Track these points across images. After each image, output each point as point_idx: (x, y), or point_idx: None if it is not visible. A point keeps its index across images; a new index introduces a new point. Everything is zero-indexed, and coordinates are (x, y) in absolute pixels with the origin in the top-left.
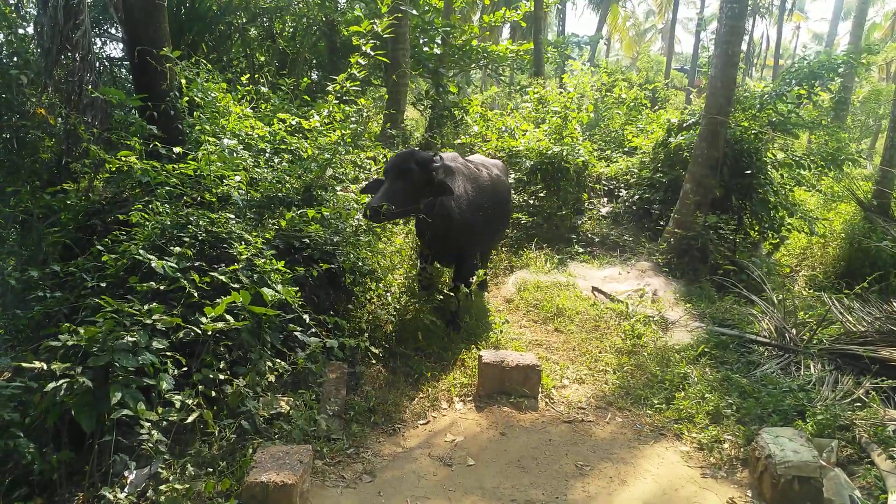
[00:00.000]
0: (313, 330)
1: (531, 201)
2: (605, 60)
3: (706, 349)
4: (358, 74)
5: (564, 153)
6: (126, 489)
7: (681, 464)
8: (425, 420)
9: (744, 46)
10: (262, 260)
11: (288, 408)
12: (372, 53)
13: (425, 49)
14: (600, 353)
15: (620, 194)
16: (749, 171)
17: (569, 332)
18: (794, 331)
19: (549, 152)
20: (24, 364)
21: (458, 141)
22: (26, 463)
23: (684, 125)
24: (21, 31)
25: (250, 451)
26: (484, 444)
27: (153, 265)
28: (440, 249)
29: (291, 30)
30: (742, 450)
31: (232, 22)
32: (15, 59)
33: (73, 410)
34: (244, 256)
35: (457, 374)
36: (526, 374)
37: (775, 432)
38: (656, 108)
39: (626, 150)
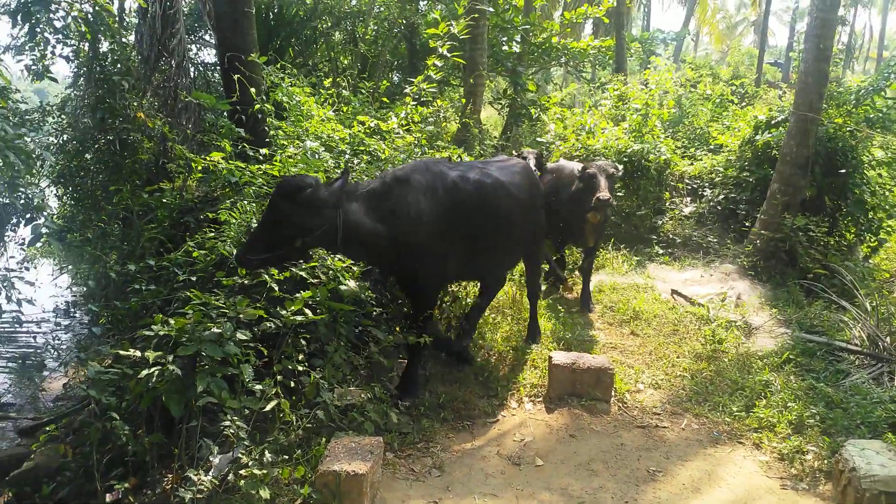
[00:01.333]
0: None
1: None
2: (690, 56)
3: (791, 356)
4: (434, 76)
5: (645, 151)
6: (210, 472)
7: (759, 474)
8: (494, 419)
9: (844, 38)
10: (336, 258)
11: (361, 400)
12: (448, 55)
13: (504, 48)
14: (678, 357)
15: (704, 194)
16: (843, 171)
17: (645, 335)
18: (888, 339)
19: (629, 150)
20: (121, 352)
21: (535, 140)
22: (122, 444)
23: (773, 122)
24: (123, 39)
25: (324, 440)
26: (553, 445)
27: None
28: (396, 279)
29: (373, 33)
30: (826, 462)
31: (317, 27)
32: (118, 66)
33: (163, 397)
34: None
35: (527, 374)
36: (598, 377)
37: (861, 444)
38: (744, 104)
39: (710, 147)
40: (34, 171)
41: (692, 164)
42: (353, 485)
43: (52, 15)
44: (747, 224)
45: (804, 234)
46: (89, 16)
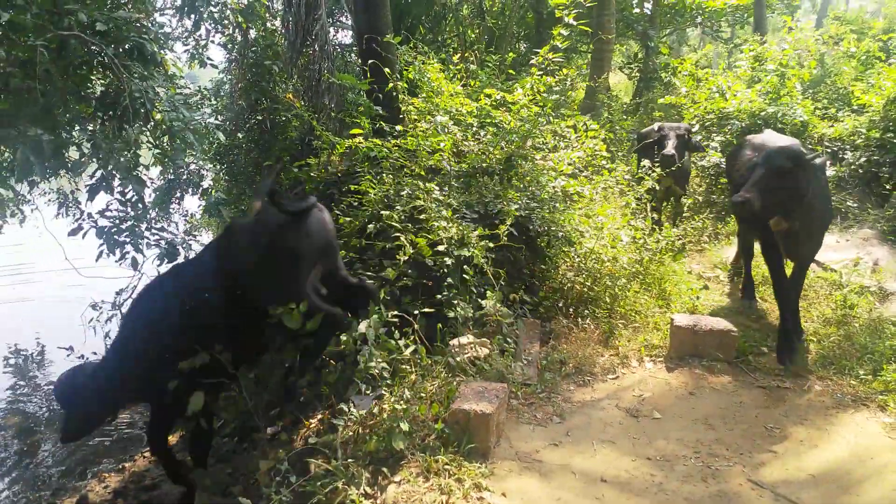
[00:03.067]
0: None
1: None
2: (833, 11)
3: None
4: (560, 45)
5: (779, 114)
6: (357, 407)
7: (882, 434)
8: (615, 375)
9: None
10: (459, 223)
11: (486, 351)
12: (574, 23)
13: (635, 10)
14: (805, 322)
15: (845, 157)
16: None
17: (773, 300)
18: None
19: (763, 113)
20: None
21: (661, 100)
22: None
23: None
24: (271, 26)
25: (455, 384)
26: (672, 401)
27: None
28: None
29: (500, 4)
30: None
31: (446, 2)
32: (268, 51)
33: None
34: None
35: (648, 335)
36: (720, 339)
37: None
38: (892, 61)
39: (853, 108)
40: (203, 149)
41: (832, 125)
42: (480, 423)
43: (212, 7)
44: (888, 187)
45: None
46: (242, 6)
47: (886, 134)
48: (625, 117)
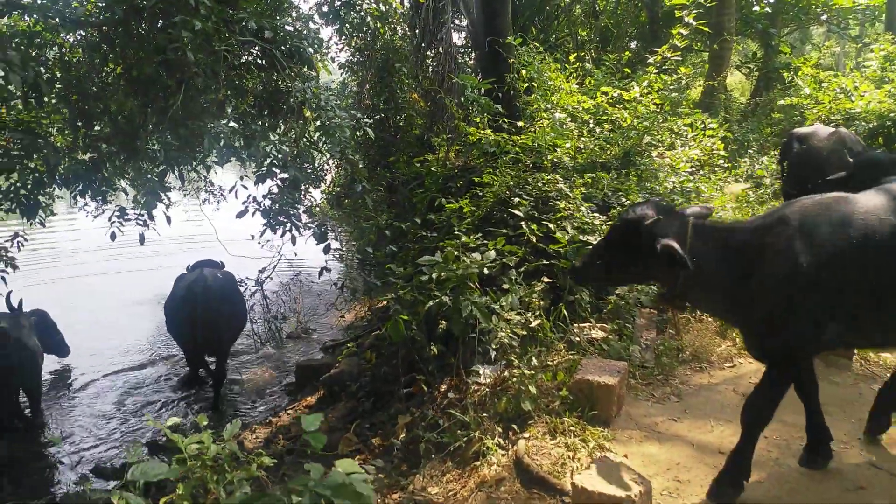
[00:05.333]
0: None
1: None
2: None
3: None
4: (679, 44)
5: None
6: (485, 372)
7: None
8: (732, 364)
9: None
10: (581, 213)
11: (604, 334)
12: (693, 23)
13: (755, 8)
14: None
15: None
16: None
17: None
18: None
19: (893, 114)
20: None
21: (782, 101)
22: (411, 354)
23: None
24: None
25: (577, 358)
26: (789, 392)
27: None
28: None
29: (613, 4)
30: None
31: (558, 3)
32: (396, 53)
33: (446, 320)
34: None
35: None
36: None
37: None
38: None
39: None
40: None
41: None
42: (603, 393)
43: (353, 13)
44: None
45: None
46: (381, 12)
47: None
48: (741, 117)
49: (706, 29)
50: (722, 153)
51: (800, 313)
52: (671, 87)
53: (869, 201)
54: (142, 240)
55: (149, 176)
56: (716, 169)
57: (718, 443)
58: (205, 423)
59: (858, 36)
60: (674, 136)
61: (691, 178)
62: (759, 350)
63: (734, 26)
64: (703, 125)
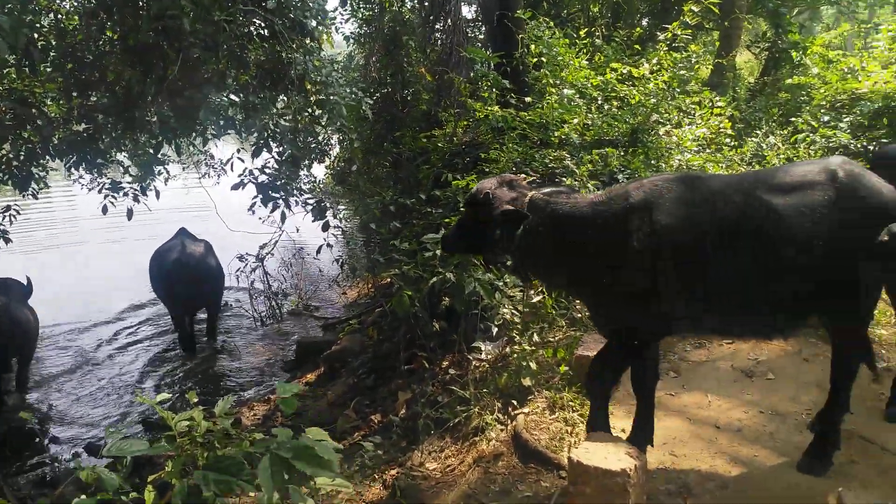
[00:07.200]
0: None
1: (871, 147)
2: None
3: None
4: (690, 22)
5: None
6: (490, 346)
7: None
8: (730, 341)
9: None
10: (587, 190)
11: None
12: (704, 1)
13: None
14: None
15: None
16: None
17: None
18: None
19: None
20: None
21: (789, 80)
22: (417, 327)
23: None
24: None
25: (578, 335)
26: (785, 364)
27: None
28: None
29: None
30: None
31: None
32: (404, 26)
33: (449, 296)
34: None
35: None
36: None
37: None
38: None
39: None
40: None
41: None
42: None
43: None
44: None
45: None
46: None
47: None
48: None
49: (716, 11)
50: (729, 132)
51: (634, 293)
52: (681, 65)
53: (717, 182)
54: (129, 214)
55: (147, 148)
56: (722, 147)
57: (716, 417)
58: (195, 399)
59: (867, 20)
60: (682, 114)
61: (697, 156)
62: (602, 326)
63: (745, 4)
64: (710, 104)
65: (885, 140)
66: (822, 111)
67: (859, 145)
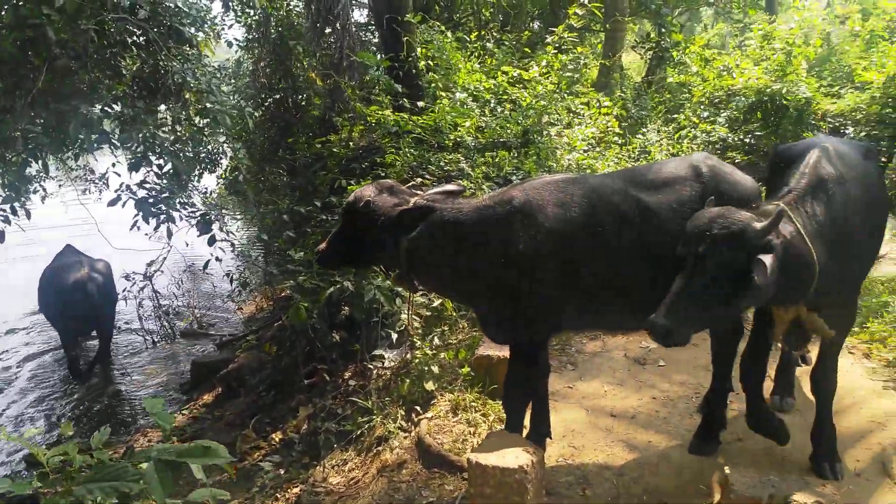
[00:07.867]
0: None
1: (747, 140)
2: None
3: None
4: (575, 24)
5: (784, 91)
6: (391, 354)
7: (864, 377)
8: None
9: None
10: (482, 192)
11: None
12: (587, 3)
13: None
14: None
15: (846, 132)
16: None
17: None
18: None
19: (768, 90)
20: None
21: (671, 80)
22: (312, 343)
23: None
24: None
25: (478, 334)
26: (676, 351)
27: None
28: None
29: None
30: None
31: None
32: (290, 31)
33: (348, 305)
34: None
35: None
36: None
37: None
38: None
39: (856, 86)
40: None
41: (835, 102)
42: (503, 366)
43: None
44: (883, 160)
45: None
46: None
47: (885, 109)
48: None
49: (599, 14)
50: (617, 130)
51: (520, 296)
52: (569, 67)
53: (597, 183)
54: (1, 237)
55: (12, 167)
56: (611, 145)
57: (611, 406)
58: (70, 432)
59: (740, 20)
60: (571, 114)
61: (586, 155)
62: (493, 334)
63: (627, 7)
64: (598, 104)
65: (759, 133)
66: (702, 107)
67: (736, 138)
